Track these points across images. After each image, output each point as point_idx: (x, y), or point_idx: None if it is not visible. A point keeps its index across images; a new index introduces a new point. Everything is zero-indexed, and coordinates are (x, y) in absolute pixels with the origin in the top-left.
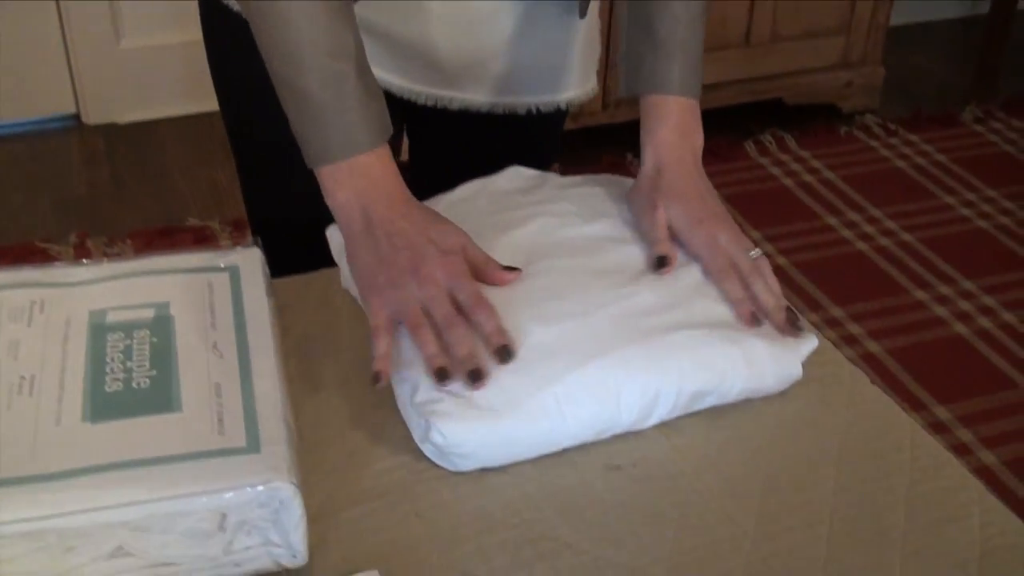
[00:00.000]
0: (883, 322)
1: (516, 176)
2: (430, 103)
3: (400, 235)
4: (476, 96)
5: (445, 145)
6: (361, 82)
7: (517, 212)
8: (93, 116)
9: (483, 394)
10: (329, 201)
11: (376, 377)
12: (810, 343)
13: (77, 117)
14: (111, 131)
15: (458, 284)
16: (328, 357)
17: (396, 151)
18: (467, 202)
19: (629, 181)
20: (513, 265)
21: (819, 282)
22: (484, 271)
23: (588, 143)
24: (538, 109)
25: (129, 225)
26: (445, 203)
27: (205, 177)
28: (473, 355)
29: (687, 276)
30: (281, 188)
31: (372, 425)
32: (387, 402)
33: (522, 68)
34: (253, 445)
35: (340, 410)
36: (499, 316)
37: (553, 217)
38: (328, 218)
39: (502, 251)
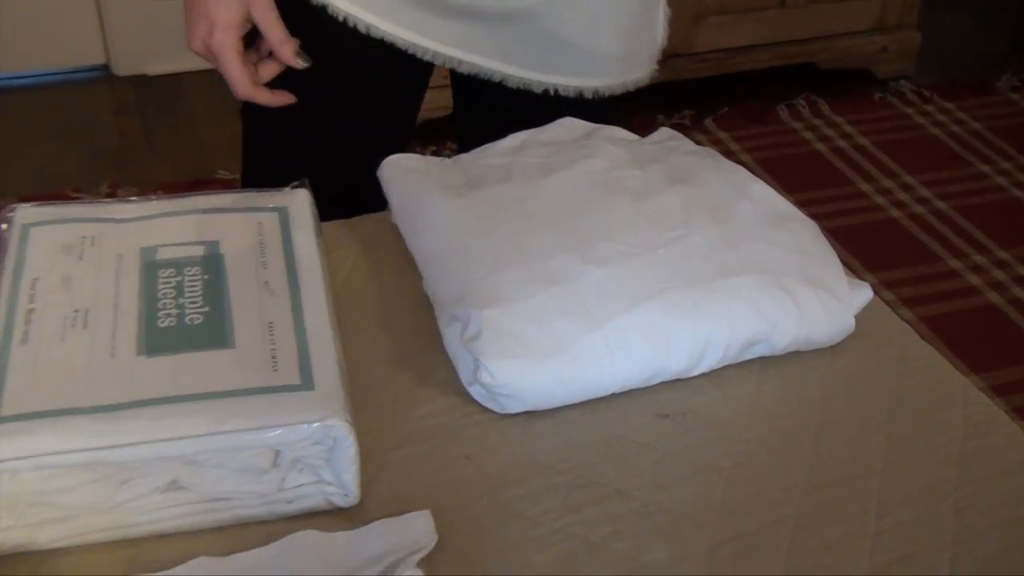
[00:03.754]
0: (916, 290)
1: (568, 126)
2: (438, 62)
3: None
4: (485, 61)
5: (470, 102)
6: None
7: (567, 156)
8: (123, 67)
9: (533, 333)
10: None
11: None
12: (864, 295)
13: (107, 68)
14: (141, 82)
15: (221, 67)
16: (373, 301)
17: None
18: (517, 150)
19: (685, 141)
20: (563, 208)
21: (852, 248)
22: (270, 44)
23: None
24: (556, 91)
25: (159, 176)
26: (495, 150)
27: (233, 130)
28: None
29: (738, 219)
30: (290, 140)
31: (419, 368)
32: (434, 346)
33: (539, 38)
34: (307, 383)
35: (386, 353)
36: (251, 87)
37: (603, 160)
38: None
39: (551, 191)
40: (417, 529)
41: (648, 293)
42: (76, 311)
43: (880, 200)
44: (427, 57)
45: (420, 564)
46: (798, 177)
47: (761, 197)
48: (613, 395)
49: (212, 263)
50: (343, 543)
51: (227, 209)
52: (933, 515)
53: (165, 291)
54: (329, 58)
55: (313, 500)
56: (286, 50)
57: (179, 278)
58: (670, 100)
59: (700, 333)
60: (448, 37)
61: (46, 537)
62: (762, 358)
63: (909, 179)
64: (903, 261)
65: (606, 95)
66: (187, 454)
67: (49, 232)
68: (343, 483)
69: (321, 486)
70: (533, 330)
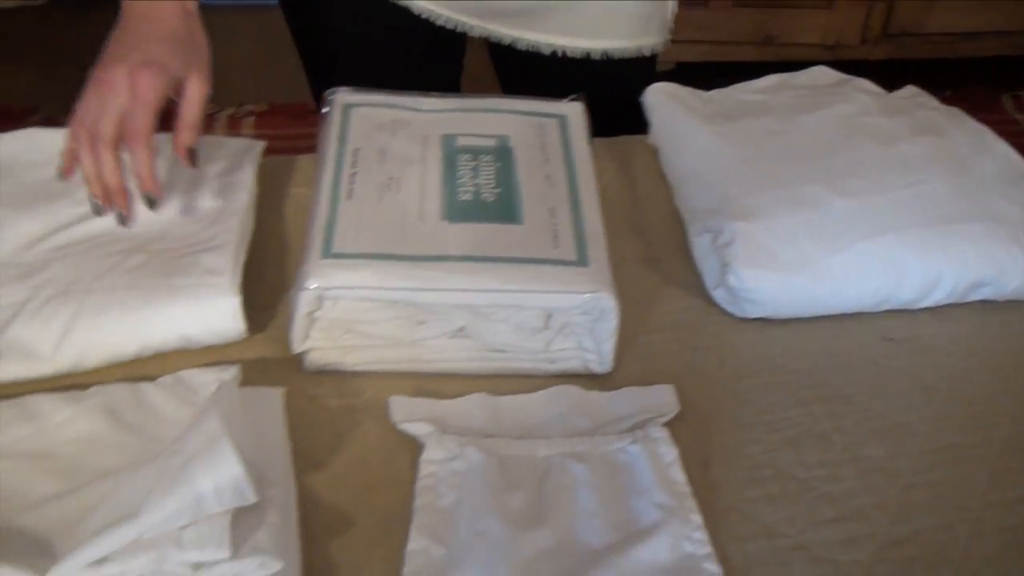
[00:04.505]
0: None
1: (820, 74)
2: (449, 26)
3: (122, 33)
4: (495, 27)
5: (499, 62)
6: None
7: (819, 99)
8: None
9: (780, 248)
10: None
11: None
12: None
13: None
14: None
15: (135, 107)
16: (627, 209)
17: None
18: (770, 91)
19: (931, 99)
20: (814, 144)
21: None
22: (180, 119)
23: None
24: (564, 53)
25: None
26: (749, 88)
27: None
28: (121, 190)
29: (978, 173)
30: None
31: (666, 270)
32: (681, 253)
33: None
34: (582, 260)
35: (637, 254)
36: (154, 161)
37: (853, 106)
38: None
39: (804, 128)
40: (662, 398)
41: (887, 227)
42: (390, 179)
43: None
44: (440, 22)
45: (663, 427)
46: None
47: (1004, 156)
48: (843, 315)
49: (503, 153)
50: (598, 399)
51: (514, 111)
52: None
53: (463, 172)
54: (370, 29)
55: (573, 363)
56: (187, 136)
57: (475, 163)
58: (889, 77)
59: (931, 269)
60: (459, 4)
61: (352, 360)
62: (984, 302)
63: None
64: None
65: (617, 58)
66: (477, 305)
67: (366, 112)
68: (601, 352)
69: (582, 352)
70: (781, 246)
